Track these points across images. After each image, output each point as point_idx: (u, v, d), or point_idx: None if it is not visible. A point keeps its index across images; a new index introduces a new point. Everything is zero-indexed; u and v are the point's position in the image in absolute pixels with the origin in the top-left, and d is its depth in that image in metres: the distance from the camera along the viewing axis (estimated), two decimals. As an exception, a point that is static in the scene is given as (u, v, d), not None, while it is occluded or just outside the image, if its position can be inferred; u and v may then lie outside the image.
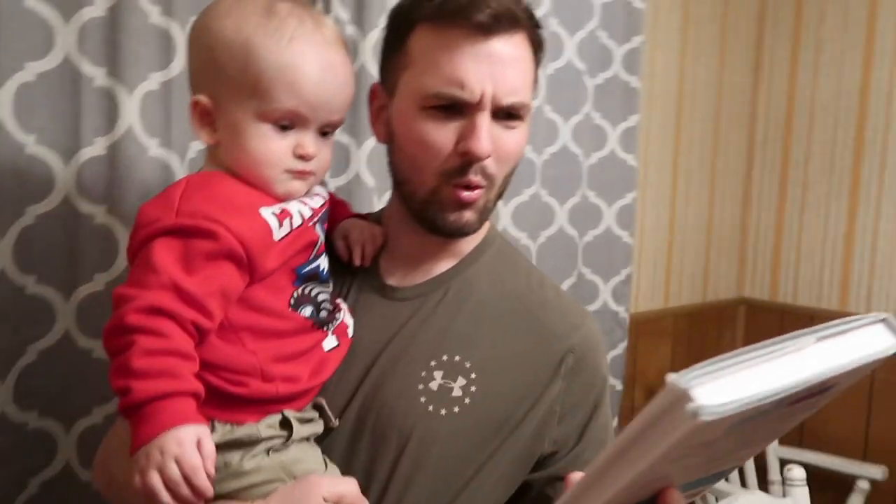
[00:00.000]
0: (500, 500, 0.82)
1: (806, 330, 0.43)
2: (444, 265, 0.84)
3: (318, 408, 0.75)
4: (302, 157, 0.70)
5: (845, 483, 1.89)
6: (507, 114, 0.75)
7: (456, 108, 0.73)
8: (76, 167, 0.99)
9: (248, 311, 0.68)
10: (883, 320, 0.45)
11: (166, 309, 0.61)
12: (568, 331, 0.83)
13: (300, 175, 0.71)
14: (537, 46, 0.78)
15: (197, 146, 1.11)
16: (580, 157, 1.63)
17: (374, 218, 0.89)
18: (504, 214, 1.51)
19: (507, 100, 0.73)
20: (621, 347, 1.77)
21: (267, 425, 0.69)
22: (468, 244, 0.85)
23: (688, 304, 2.15)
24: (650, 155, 1.94)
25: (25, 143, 0.96)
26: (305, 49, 0.68)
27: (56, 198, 0.98)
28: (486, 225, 0.85)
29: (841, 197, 2.10)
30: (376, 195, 1.33)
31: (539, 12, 1.47)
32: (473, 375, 0.78)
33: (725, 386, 0.39)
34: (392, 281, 0.83)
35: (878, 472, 1.88)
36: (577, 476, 0.58)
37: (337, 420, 0.76)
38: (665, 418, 0.40)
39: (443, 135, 0.73)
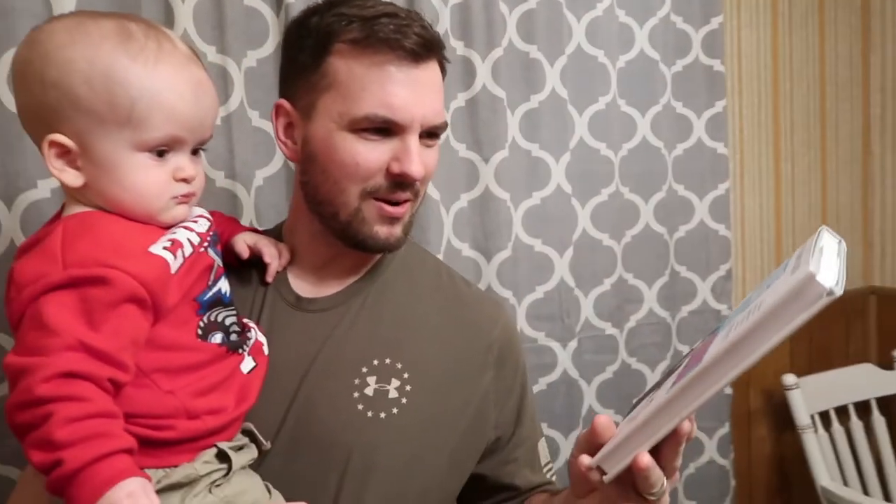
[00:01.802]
0: (453, 493, 0.84)
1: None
2: (357, 273, 0.85)
3: (247, 433, 0.72)
4: (184, 181, 0.67)
5: None
6: (428, 133, 0.78)
7: (386, 130, 0.75)
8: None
9: (156, 351, 0.64)
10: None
11: (80, 372, 0.56)
12: (489, 323, 0.87)
13: (184, 199, 0.68)
14: (444, 71, 0.82)
15: (263, 174, 1.15)
16: (662, 150, 1.55)
17: (274, 233, 0.88)
18: (582, 216, 1.45)
19: (435, 120, 0.78)
20: (727, 348, 1.65)
21: (203, 461, 0.66)
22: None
23: (805, 298, 1.97)
24: (745, 141, 1.81)
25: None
26: (173, 69, 0.64)
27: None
28: None
29: (979, 166, 1.86)
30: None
31: (602, 5, 1.43)
32: (406, 375, 0.79)
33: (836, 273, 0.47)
34: (305, 293, 0.83)
35: None
36: (603, 418, 0.61)
37: (269, 443, 0.74)
38: (799, 299, 0.46)
39: (374, 156, 0.75)
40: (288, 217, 0.89)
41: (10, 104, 0.95)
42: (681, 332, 1.61)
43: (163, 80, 0.63)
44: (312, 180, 0.79)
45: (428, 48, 0.76)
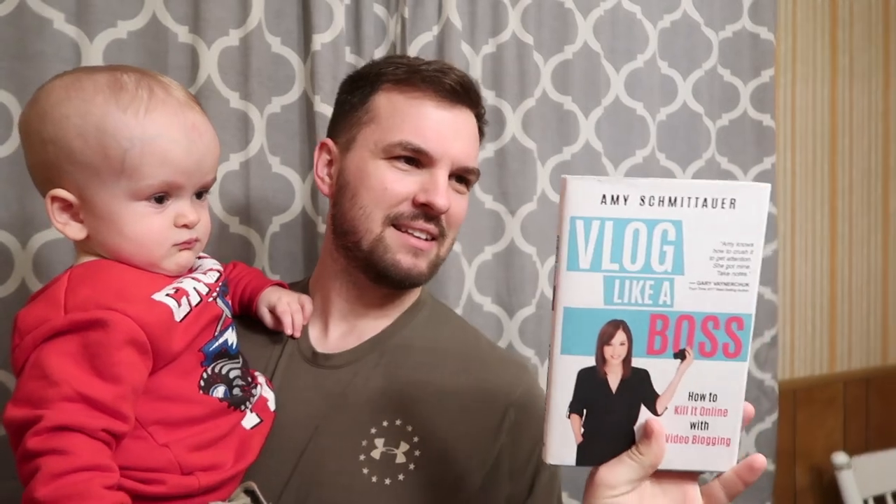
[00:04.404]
0: None
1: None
2: (377, 326, 0.83)
3: (248, 492, 0.69)
4: (185, 227, 0.66)
5: None
6: (459, 177, 0.80)
7: (417, 162, 0.77)
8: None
9: (155, 401, 0.62)
10: None
11: (72, 424, 0.55)
12: (508, 386, 0.81)
13: (187, 245, 0.67)
14: (481, 132, 0.85)
15: (280, 221, 1.14)
16: (704, 207, 1.47)
17: (301, 286, 0.89)
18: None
19: (466, 162, 0.79)
20: (770, 420, 1.54)
21: None
22: (401, 305, 0.85)
23: (861, 369, 1.84)
24: (797, 200, 1.72)
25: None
26: (165, 116, 0.63)
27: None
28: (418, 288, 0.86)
29: None
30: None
31: (644, 57, 1.38)
32: (416, 439, 0.75)
33: None
34: (323, 348, 0.82)
35: None
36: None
37: (270, 503, 0.70)
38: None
39: (402, 185, 0.77)
40: (315, 269, 0.90)
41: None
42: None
43: (154, 127, 0.62)
44: (340, 210, 0.81)
45: (465, 91, 0.80)
